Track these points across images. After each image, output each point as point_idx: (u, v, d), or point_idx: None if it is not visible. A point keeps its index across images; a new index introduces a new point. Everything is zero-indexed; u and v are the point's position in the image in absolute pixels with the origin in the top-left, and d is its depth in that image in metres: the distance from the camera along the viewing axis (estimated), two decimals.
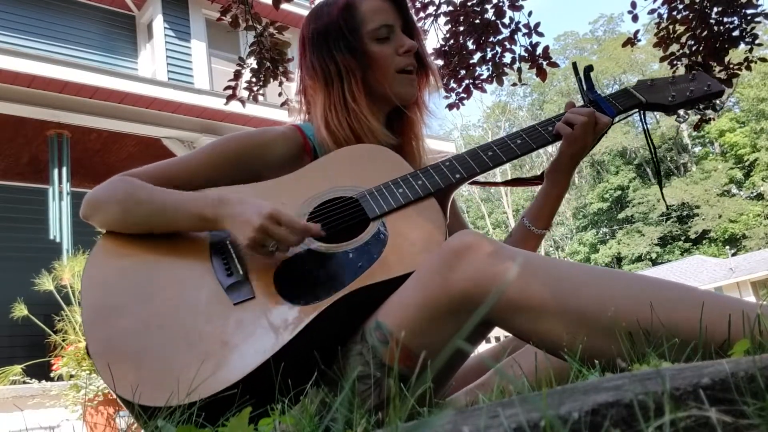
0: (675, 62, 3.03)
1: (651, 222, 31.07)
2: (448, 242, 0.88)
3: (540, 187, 1.28)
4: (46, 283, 4.34)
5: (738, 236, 28.79)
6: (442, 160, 1.15)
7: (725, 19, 2.88)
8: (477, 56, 3.20)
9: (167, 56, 7.14)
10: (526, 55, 3.14)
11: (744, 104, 31.50)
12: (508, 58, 3.17)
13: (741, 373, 0.40)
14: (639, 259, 30.32)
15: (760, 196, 29.59)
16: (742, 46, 2.91)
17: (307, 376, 0.86)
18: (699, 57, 2.92)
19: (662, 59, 3.08)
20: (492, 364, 1.12)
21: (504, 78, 3.18)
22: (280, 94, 3.10)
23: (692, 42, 2.96)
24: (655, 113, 1.37)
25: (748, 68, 2.97)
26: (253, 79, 3.06)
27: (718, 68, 2.91)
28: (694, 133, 30.61)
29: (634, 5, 3.13)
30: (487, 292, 0.82)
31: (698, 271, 21.84)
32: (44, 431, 3.99)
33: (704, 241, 30.16)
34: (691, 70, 2.56)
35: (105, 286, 1.01)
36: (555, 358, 0.81)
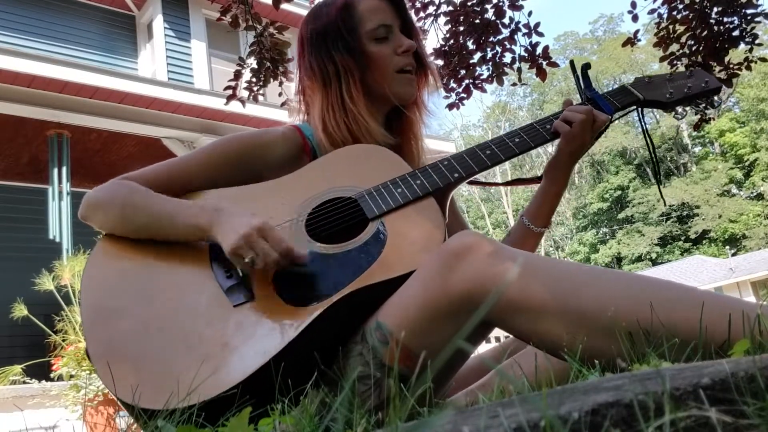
0: (675, 62, 3.03)
1: (651, 222, 31.06)
2: (447, 243, 0.88)
3: (539, 185, 1.28)
4: (46, 283, 4.33)
5: (738, 236, 28.78)
6: (440, 159, 1.14)
7: (725, 19, 2.88)
8: (477, 56, 3.19)
9: (167, 56, 7.14)
10: (526, 55, 3.14)
11: (744, 104, 31.50)
12: (508, 58, 3.16)
13: (741, 373, 0.40)
14: (639, 259, 30.31)
15: (760, 196, 29.58)
16: (742, 46, 2.90)
17: (307, 377, 0.86)
18: (699, 57, 2.91)
19: (662, 59, 3.07)
20: (492, 365, 1.12)
21: (504, 78, 3.17)
22: (280, 94, 3.09)
23: (692, 42, 2.95)
24: (655, 111, 1.37)
25: (748, 68, 2.97)
26: (253, 79, 3.05)
27: (718, 68, 2.90)
28: (694, 133, 30.60)
29: (634, 5, 3.12)
30: (487, 293, 0.82)
31: (698, 271, 21.84)
32: (44, 431, 3.98)
33: (704, 241, 30.15)
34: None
35: (105, 288, 1.01)
36: (555, 359, 0.81)
